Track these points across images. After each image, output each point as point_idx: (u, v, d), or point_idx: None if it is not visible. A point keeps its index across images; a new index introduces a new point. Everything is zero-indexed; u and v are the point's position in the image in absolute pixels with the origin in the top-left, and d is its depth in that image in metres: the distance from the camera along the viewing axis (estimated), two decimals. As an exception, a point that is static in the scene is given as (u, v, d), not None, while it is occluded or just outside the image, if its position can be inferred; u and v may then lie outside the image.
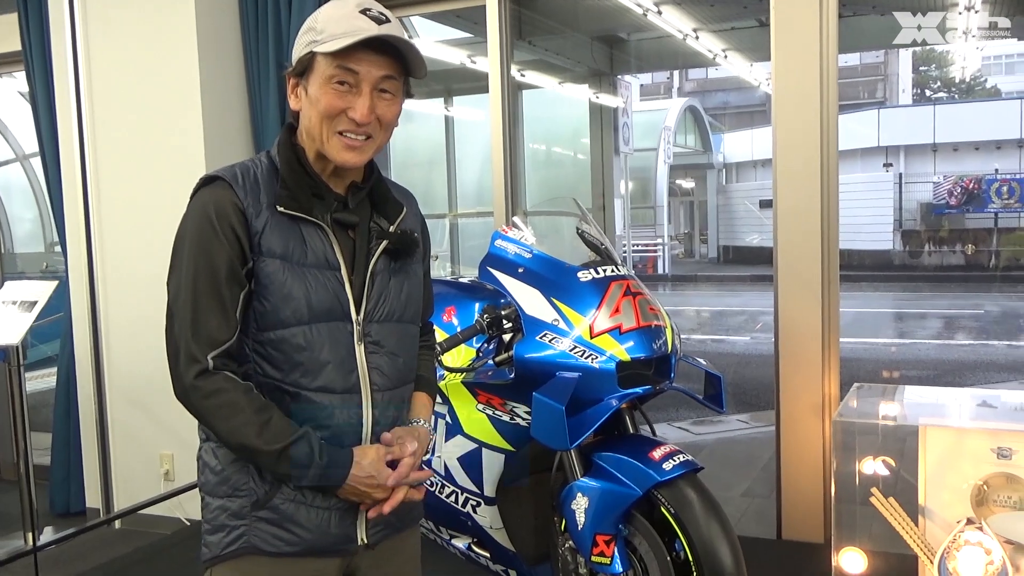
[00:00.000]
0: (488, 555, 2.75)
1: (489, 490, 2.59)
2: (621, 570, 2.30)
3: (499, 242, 2.56)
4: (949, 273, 18.13)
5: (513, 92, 4.12)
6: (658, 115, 20.09)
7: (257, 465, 1.49)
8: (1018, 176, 19.08)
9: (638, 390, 2.33)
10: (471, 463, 2.60)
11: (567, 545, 2.43)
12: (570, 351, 2.32)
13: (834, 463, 2.78)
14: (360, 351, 1.53)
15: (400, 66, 1.51)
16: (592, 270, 2.44)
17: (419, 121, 10.94)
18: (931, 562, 2.59)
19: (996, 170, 19.44)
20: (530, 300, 2.40)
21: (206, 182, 1.51)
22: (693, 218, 25.09)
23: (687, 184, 24.61)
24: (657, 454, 2.32)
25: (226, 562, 1.52)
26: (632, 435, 2.48)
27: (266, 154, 1.57)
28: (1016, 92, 28.82)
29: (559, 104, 11.21)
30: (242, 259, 1.46)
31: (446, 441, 2.66)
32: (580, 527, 2.33)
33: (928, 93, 33.40)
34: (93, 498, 4.35)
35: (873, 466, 3.01)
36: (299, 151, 1.54)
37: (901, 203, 19.81)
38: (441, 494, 2.72)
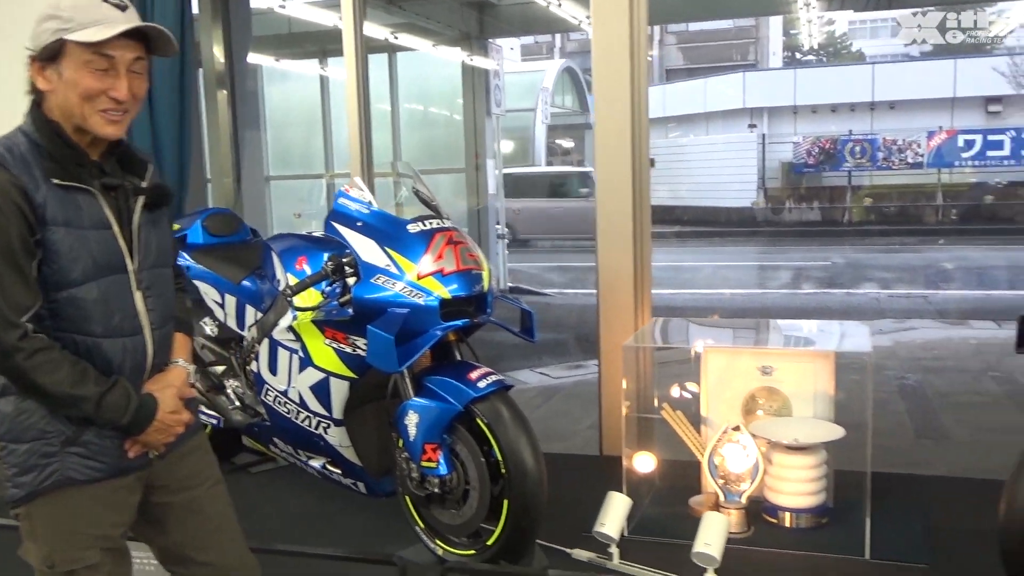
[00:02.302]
0: (340, 472, 3.18)
1: (337, 413, 3.01)
2: (446, 472, 2.77)
3: (341, 200, 2.95)
4: (807, 228, 19.38)
5: (366, 54, 4.42)
6: (537, 76, 20.51)
7: (78, 412, 1.69)
8: (869, 136, 20.45)
9: (458, 323, 2.79)
10: (321, 390, 3.01)
11: (403, 455, 2.88)
12: (400, 291, 2.75)
13: (624, 381, 3.31)
14: (138, 297, 1.77)
15: (145, 46, 1.73)
16: (420, 223, 2.88)
17: (294, 81, 11.03)
18: (703, 458, 3.17)
19: (850, 131, 20.76)
20: (367, 249, 2.82)
21: None
22: (574, 177, 25.74)
23: (567, 144, 25.22)
24: (474, 375, 2.78)
25: (42, 497, 1.73)
26: (457, 361, 2.94)
27: (19, 131, 1.71)
28: (879, 56, 30.61)
29: (435, 66, 11.49)
30: (30, 231, 1.63)
31: (299, 373, 3.06)
32: (412, 439, 2.78)
33: (798, 56, 34.97)
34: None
35: (678, 391, 3.59)
36: (55, 125, 1.70)
37: (764, 162, 20.95)
38: (297, 419, 3.12)
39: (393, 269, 2.78)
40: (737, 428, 3.12)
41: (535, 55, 29.35)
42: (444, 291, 2.75)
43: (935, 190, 19.54)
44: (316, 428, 3.09)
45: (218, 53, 5.81)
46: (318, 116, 10.53)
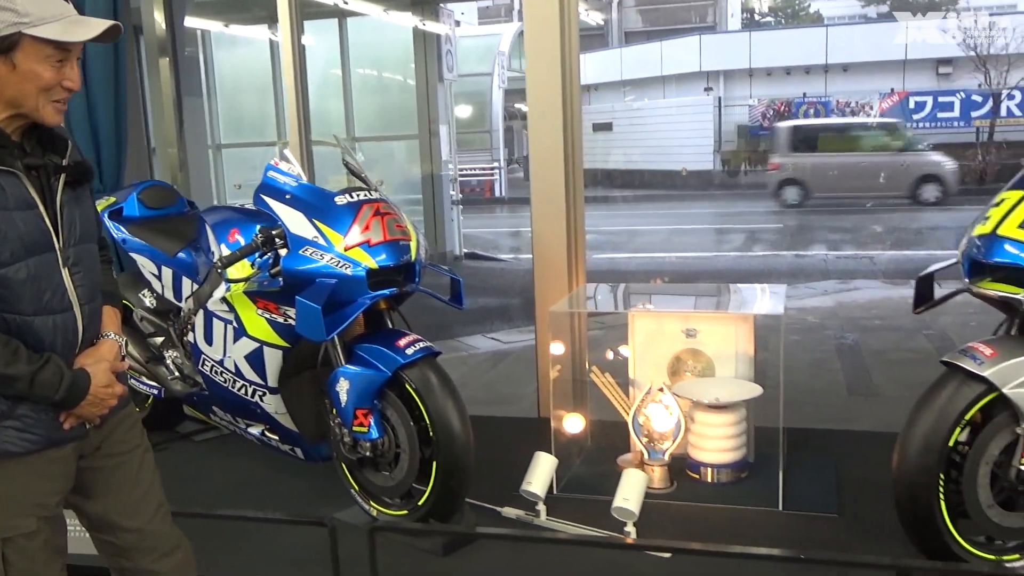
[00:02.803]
0: (277, 438, 3.26)
1: (272, 381, 3.08)
2: (377, 436, 2.87)
3: (271, 173, 3.00)
4: (761, 191, 19.57)
5: (301, 20, 4.43)
6: (493, 40, 20.38)
7: (11, 391, 1.71)
8: (823, 99, 20.68)
9: (385, 292, 2.87)
10: (255, 360, 3.08)
11: (336, 421, 2.97)
12: (328, 262, 2.82)
13: (553, 344, 3.41)
14: (66, 274, 1.78)
15: None
16: (348, 195, 2.94)
17: (245, 47, 10.90)
18: (628, 418, 3.29)
19: (804, 94, 20.99)
20: (295, 221, 2.87)
21: None
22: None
23: (526, 108, 25.16)
24: (403, 342, 2.87)
25: None
26: (387, 329, 3.02)
27: None
28: (837, 17, 30.81)
29: (387, 31, 11.40)
30: None
31: (234, 343, 3.12)
32: (343, 405, 2.87)
33: (757, 17, 35.06)
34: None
35: (612, 355, 3.71)
36: None
37: (721, 125, 21.11)
38: (233, 388, 3.19)
39: (321, 241, 2.84)
40: (661, 389, 3.24)
41: (494, 18, 29.16)
42: (371, 261, 2.83)
43: (887, 152, 19.82)
44: (252, 396, 3.16)
45: (159, 19, 5.74)
46: (270, 82, 10.43)
